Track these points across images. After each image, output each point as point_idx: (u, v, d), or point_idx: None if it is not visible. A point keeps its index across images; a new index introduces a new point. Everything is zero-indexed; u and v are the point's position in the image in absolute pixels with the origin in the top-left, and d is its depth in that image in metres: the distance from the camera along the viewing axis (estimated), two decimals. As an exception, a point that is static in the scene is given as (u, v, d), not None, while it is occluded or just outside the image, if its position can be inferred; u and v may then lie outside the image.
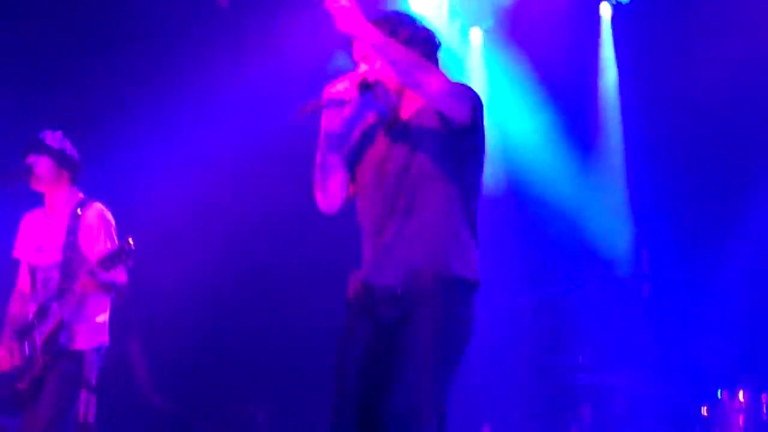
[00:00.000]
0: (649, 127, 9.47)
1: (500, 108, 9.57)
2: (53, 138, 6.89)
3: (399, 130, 4.88)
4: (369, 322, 4.78)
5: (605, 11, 9.61)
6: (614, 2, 9.48)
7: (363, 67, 4.86)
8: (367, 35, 4.57)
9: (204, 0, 9.71)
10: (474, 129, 4.74)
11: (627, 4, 9.51)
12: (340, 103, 4.71)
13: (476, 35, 9.77)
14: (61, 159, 6.83)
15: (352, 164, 5.00)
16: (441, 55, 5.01)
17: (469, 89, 4.81)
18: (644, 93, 9.53)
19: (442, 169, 4.74)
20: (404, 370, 4.61)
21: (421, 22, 5.00)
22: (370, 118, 5.07)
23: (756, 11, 8.97)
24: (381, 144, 4.91)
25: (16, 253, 6.96)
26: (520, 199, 9.66)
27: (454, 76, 4.90)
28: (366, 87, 4.80)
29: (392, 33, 4.78)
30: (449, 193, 4.74)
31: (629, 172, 9.65)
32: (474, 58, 9.79)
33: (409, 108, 4.90)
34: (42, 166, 6.80)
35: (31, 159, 6.83)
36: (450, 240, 4.71)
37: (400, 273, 4.71)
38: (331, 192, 4.97)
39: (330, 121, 4.80)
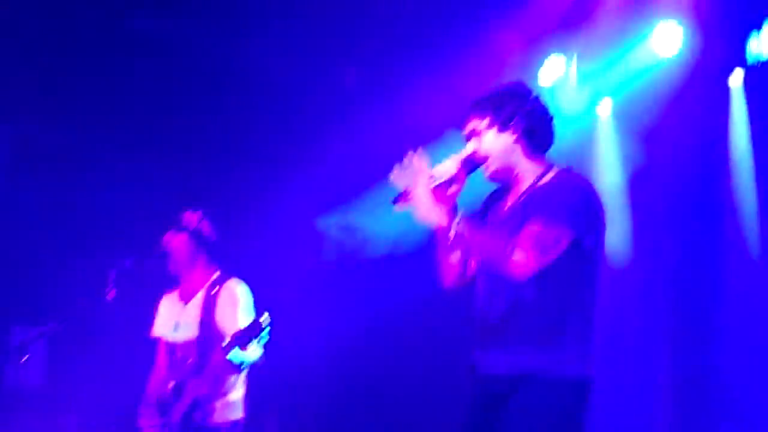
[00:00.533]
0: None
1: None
2: (192, 217, 6.98)
3: (506, 216, 4.84)
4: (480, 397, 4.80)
5: (736, 79, 9.20)
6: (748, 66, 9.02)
7: (471, 145, 4.80)
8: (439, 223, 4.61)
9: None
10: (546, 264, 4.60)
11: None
12: (447, 183, 4.67)
13: (606, 105, 9.55)
14: (198, 238, 6.92)
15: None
16: (552, 123, 4.89)
17: (529, 242, 4.59)
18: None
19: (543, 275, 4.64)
20: None
21: (527, 92, 4.89)
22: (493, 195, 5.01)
23: None
24: (495, 226, 4.87)
25: (155, 332, 7.02)
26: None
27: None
28: (473, 165, 4.75)
29: (496, 111, 4.75)
30: (545, 293, 4.66)
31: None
32: (603, 128, 9.62)
33: (519, 196, 4.83)
34: (179, 245, 6.91)
35: (169, 237, 6.93)
36: (540, 340, 4.67)
37: (500, 365, 4.71)
38: (450, 272, 4.98)
39: (434, 207, 4.68)
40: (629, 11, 8.88)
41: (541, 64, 9.20)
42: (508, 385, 4.68)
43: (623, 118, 9.58)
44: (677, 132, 9.26)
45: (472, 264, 4.93)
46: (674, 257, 9.40)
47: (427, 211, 4.61)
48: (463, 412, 4.86)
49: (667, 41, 8.90)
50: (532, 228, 4.54)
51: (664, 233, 9.44)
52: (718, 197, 9.30)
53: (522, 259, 4.51)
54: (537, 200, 4.69)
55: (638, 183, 9.41)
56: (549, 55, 9.27)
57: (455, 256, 4.94)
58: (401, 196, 4.68)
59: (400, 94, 9.10)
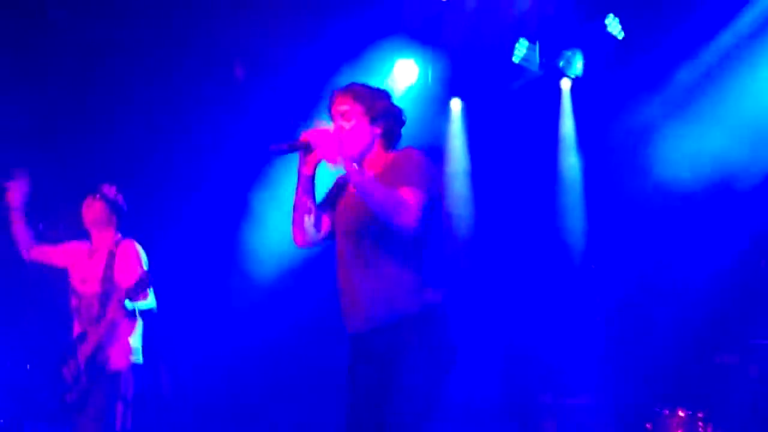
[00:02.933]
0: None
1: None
2: (110, 188, 6.96)
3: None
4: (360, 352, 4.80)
5: (565, 85, 9.66)
6: (573, 77, 9.55)
7: (339, 124, 4.86)
8: (350, 169, 4.62)
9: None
10: (422, 225, 4.68)
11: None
12: (309, 147, 4.70)
13: (456, 104, 9.78)
14: (114, 208, 6.92)
15: (326, 210, 4.99)
16: (402, 128, 4.96)
17: (415, 204, 4.69)
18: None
19: (390, 236, 4.73)
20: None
21: (392, 98, 4.99)
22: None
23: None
24: (350, 198, 4.91)
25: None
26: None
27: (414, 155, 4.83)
28: (341, 138, 4.80)
29: (370, 107, 4.85)
30: (403, 246, 4.72)
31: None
32: (454, 125, 9.79)
33: (373, 170, 4.93)
34: (100, 212, 6.88)
35: (89, 202, 6.89)
36: (400, 286, 4.70)
37: (365, 318, 4.74)
38: (304, 229, 4.97)
39: (303, 165, 4.80)
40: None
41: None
42: (381, 334, 4.72)
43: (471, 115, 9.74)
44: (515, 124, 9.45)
45: (320, 226, 4.97)
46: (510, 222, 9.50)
47: (306, 164, 4.71)
48: (347, 373, 4.88)
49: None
50: (407, 189, 4.66)
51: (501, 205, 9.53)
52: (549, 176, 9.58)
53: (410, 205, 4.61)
54: (395, 171, 4.80)
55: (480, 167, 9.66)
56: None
57: (308, 215, 4.92)
58: (290, 146, 4.73)
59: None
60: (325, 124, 4.78)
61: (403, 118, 5.00)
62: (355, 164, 4.66)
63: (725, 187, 8.61)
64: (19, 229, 6.72)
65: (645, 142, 9.07)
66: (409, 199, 4.65)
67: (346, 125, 4.84)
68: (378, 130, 4.88)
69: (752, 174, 8.57)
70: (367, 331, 4.77)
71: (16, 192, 6.68)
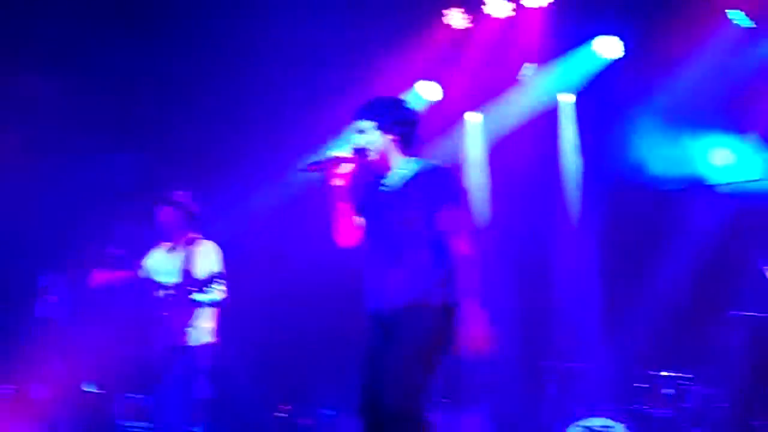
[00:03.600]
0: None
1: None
2: (183, 195, 7.21)
3: (385, 197, 5.03)
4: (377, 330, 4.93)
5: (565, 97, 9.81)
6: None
7: (359, 139, 5.01)
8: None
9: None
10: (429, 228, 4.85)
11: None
12: (339, 162, 4.90)
13: (472, 117, 10.10)
14: (185, 211, 7.16)
15: (360, 213, 5.09)
16: (416, 129, 5.07)
17: (467, 229, 4.83)
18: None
19: (413, 230, 4.89)
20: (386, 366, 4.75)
21: (405, 107, 5.11)
22: (369, 177, 5.13)
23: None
24: (379, 199, 5.05)
25: (146, 272, 7.22)
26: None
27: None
28: (362, 154, 4.97)
29: (381, 120, 4.98)
30: (421, 246, 4.87)
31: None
32: (472, 136, 10.13)
33: (392, 179, 5.04)
34: (174, 217, 7.13)
35: (165, 209, 7.14)
36: (416, 279, 4.84)
37: (387, 303, 4.87)
38: (343, 232, 5.09)
39: (333, 177, 4.93)
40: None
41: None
42: (391, 317, 4.83)
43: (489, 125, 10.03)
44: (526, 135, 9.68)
45: (359, 228, 5.08)
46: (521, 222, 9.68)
47: (336, 178, 4.91)
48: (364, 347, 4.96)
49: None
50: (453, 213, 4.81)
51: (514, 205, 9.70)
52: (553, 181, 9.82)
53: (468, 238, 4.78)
54: (422, 181, 4.91)
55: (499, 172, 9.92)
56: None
57: (347, 219, 5.05)
58: (318, 166, 4.93)
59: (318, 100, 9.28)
60: (341, 148, 4.98)
61: (417, 121, 5.10)
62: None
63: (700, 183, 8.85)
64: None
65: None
66: (457, 225, 4.84)
67: (363, 140, 5.00)
68: (394, 138, 5.01)
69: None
70: (385, 312, 4.88)
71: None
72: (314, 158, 4.98)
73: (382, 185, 5.06)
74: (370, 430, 4.77)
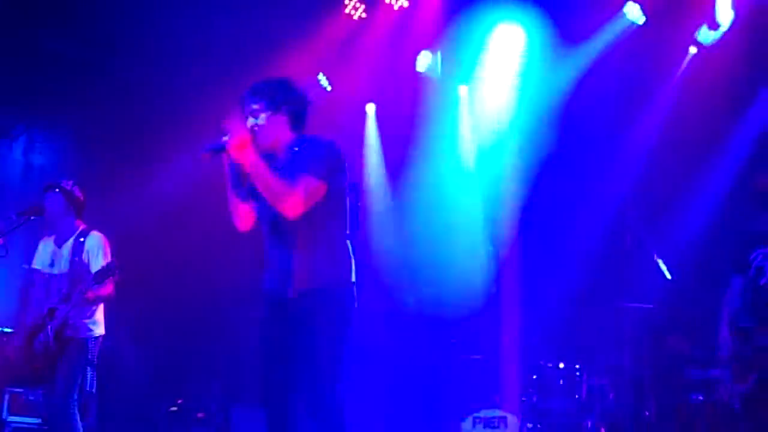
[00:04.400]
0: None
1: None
2: (68, 183, 7.03)
3: (276, 172, 4.97)
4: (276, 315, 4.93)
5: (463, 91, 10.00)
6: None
7: (250, 121, 4.98)
8: (245, 161, 4.77)
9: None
10: (316, 206, 4.84)
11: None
12: (221, 148, 4.84)
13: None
14: (73, 200, 6.99)
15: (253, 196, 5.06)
16: (307, 108, 5.08)
17: (302, 191, 4.81)
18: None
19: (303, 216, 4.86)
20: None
21: (294, 87, 5.11)
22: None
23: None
24: None
25: (34, 265, 7.04)
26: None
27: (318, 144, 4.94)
28: (254, 134, 4.93)
29: (271, 100, 4.98)
30: (310, 228, 4.86)
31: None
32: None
33: (283, 159, 5.03)
34: (60, 205, 6.94)
35: (50, 196, 6.96)
36: (318, 258, 4.87)
37: (288, 284, 4.87)
38: (239, 217, 5.09)
39: (229, 156, 4.89)
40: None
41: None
42: (299, 301, 4.82)
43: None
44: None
45: (255, 209, 5.08)
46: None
47: (235, 154, 4.74)
48: (259, 332, 4.99)
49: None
50: (300, 177, 4.80)
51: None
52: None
53: (296, 193, 4.78)
54: (299, 157, 4.91)
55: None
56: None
57: (244, 201, 5.05)
58: (215, 149, 4.85)
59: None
60: (235, 127, 4.89)
61: (306, 100, 5.13)
62: (249, 153, 4.78)
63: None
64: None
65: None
66: (299, 186, 4.82)
67: (256, 121, 4.99)
68: (284, 117, 5.01)
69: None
70: (284, 297, 4.87)
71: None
72: (209, 143, 4.90)
73: (275, 166, 4.99)
74: (276, 418, 4.82)
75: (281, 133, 5.04)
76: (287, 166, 4.96)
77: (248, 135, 4.87)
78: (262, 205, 5.00)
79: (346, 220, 5.08)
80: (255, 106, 5.00)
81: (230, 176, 5.03)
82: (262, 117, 4.99)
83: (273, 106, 5.00)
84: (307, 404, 4.78)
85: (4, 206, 7.31)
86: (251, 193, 5.03)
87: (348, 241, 5.02)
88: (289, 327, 4.89)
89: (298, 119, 5.07)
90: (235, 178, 5.03)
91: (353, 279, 4.97)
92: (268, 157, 5.00)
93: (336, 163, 4.99)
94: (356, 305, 4.96)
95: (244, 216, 5.11)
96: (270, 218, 4.97)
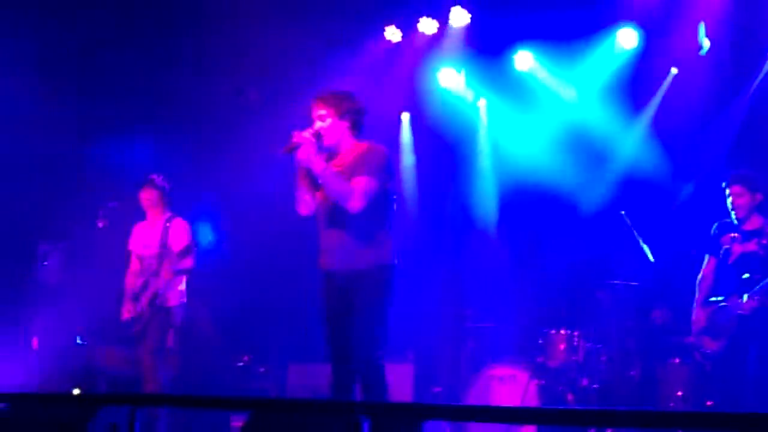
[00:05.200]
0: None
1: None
2: (159, 178, 7.56)
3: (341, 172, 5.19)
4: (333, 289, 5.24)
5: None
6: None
7: (318, 124, 5.23)
8: (314, 165, 5.02)
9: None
10: (370, 201, 5.08)
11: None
12: (300, 144, 5.07)
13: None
14: (163, 192, 7.56)
15: (317, 187, 5.28)
16: (365, 117, 5.30)
17: (362, 190, 5.01)
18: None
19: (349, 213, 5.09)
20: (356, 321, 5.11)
21: (354, 97, 5.30)
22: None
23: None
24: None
25: (131, 246, 7.59)
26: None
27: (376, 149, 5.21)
28: (318, 136, 5.16)
29: (338, 108, 5.18)
30: (365, 214, 5.10)
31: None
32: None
33: (344, 158, 5.27)
34: (153, 196, 7.51)
35: (146, 190, 7.50)
36: (366, 243, 5.13)
37: (342, 264, 5.17)
38: (303, 204, 5.29)
39: (300, 157, 5.11)
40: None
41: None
42: (348, 277, 5.11)
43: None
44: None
45: (315, 199, 5.27)
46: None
47: (305, 157, 5.04)
48: (321, 303, 5.25)
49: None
50: (361, 178, 5.05)
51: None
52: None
53: (356, 194, 5.03)
54: (360, 161, 5.13)
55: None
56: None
57: (307, 192, 5.24)
58: (290, 147, 5.08)
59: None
60: (304, 132, 5.11)
61: (364, 110, 5.29)
62: (318, 159, 4.97)
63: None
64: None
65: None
66: (358, 187, 5.04)
67: (323, 125, 5.18)
68: (347, 124, 5.22)
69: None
70: (339, 273, 5.14)
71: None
72: (286, 142, 5.18)
73: (338, 164, 5.25)
74: (341, 376, 5.09)
75: (343, 136, 5.27)
76: (350, 166, 5.19)
77: (313, 144, 5.07)
78: (323, 197, 5.24)
79: (392, 215, 5.31)
80: (322, 112, 5.23)
81: (299, 171, 5.24)
82: (329, 121, 5.22)
83: (339, 113, 5.22)
84: (358, 364, 5.03)
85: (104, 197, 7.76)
86: (316, 187, 5.27)
87: (391, 231, 5.25)
88: (343, 299, 5.16)
89: (357, 126, 5.31)
90: (303, 173, 5.23)
91: (396, 262, 5.21)
92: (331, 155, 5.29)
93: (389, 168, 5.29)
94: (396, 283, 5.19)
95: (306, 204, 5.30)
96: (328, 209, 5.21)
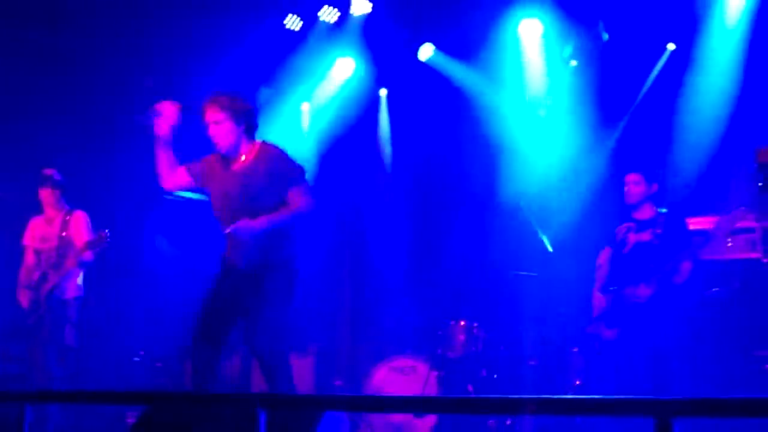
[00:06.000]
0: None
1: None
2: (55, 174, 7.51)
3: (236, 173, 5.30)
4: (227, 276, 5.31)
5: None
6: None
7: (212, 130, 5.26)
8: (255, 230, 5.08)
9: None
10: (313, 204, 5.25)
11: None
12: (159, 115, 5.23)
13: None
14: (61, 188, 7.51)
15: (196, 176, 5.40)
16: (258, 117, 5.35)
17: (304, 197, 5.17)
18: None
19: (262, 203, 5.20)
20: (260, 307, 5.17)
21: (246, 99, 5.37)
22: (214, 156, 5.40)
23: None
24: (225, 177, 5.31)
25: (26, 241, 7.54)
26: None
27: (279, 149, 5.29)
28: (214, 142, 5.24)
29: (234, 112, 5.22)
30: (271, 210, 5.19)
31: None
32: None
33: (242, 160, 5.31)
34: (51, 193, 7.46)
35: (43, 189, 7.45)
36: (265, 243, 5.20)
37: (248, 260, 5.24)
38: (164, 177, 5.38)
39: (157, 128, 5.26)
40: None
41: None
42: (253, 271, 5.19)
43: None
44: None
45: (185, 179, 5.38)
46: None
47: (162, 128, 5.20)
48: (211, 285, 5.28)
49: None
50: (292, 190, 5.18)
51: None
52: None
53: (304, 206, 5.16)
54: (270, 168, 5.19)
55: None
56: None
57: (167, 165, 5.35)
58: (147, 116, 5.23)
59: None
60: (168, 104, 5.25)
61: (257, 111, 5.36)
62: (249, 227, 5.05)
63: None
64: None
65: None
66: (297, 198, 5.20)
67: (219, 128, 5.24)
68: (242, 127, 5.27)
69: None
70: (239, 267, 5.22)
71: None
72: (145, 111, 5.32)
73: (232, 167, 5.35)
74: (200, 355, 5.16)
75: (240, 139, 5.33)
76: (249, 167, 5.29)
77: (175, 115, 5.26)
78: (225, 196, 5.30)
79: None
80: (217, 115, 5.28)
81: (159, 139, 5.33)
82: (224, 125, 5.27)
83: (234, 117, 5.28)
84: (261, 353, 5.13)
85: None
86: (202, 173, 5.42)
87: (295, 227, 5.33)
88: (240, 288, 5.25)
89: (251, 131, 5.38)
90: (163, 141, 5.34)
91: (297, 256, 5.33)
92: (228, 159, 5.37)
93: (296, 162, 5.38)
94: (297, 275, 5.28)
95: (170, 179, 5.42)
96: (233, 208, 5.27)
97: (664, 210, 6.97)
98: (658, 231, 6.86)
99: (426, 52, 9.64)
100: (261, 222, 5.12)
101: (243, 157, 5.34)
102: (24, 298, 7.40)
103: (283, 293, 5.25)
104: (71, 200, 7.67)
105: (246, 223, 5.13)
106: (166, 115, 5.29)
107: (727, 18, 8.24)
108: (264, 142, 5.40)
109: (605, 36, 8.69)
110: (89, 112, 9.29)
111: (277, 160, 5.32)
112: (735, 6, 8.25)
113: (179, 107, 5.33)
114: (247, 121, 5.35)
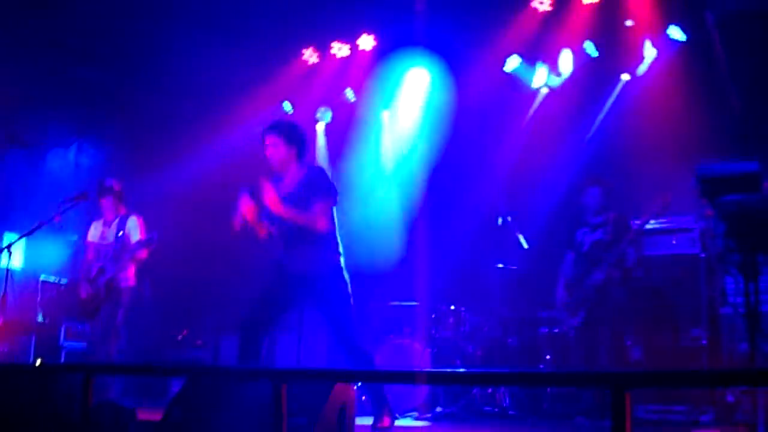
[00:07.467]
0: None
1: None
2: (115, 183, 7.47)
3: (283, 191, 5.23)
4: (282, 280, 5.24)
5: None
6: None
7: (270, 151, 5.27)
8: (277, 209, 5.03)
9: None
10: (328, 224, 5.16)
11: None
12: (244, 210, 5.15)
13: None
14: (117, 195, 7.47)
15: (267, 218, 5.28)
16: (309, 144, 5.33)
17: (321, 213, 5.06)
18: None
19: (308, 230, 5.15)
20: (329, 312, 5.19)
21: (300, 127, 5.36)
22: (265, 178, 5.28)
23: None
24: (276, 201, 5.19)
25: (88, 239, 7.47)
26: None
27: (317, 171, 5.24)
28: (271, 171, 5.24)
29: (288, 137, 5.22)
30: (313, 233, 5.17)
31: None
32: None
33: (290, 181, 5.29)
34: (111, 200, 7.42)
35: (104, 198, 7.43)
36: (313, 255, 5.17)
37: (303, 268, 5.19)
38: (257, 232, 5.31)
39: (249, 222, 5.18)
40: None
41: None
42: (304, 276, 5.16)
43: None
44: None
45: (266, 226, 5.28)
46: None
47: (273, 209, 5.05)
48: (263, 285, 5.23)
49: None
50: (318, 203, 5.11)
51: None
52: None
53: (318, 218, 5.10)
54: (309, 184, 5.15)
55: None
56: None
57: (261, 225, 5.25)
58: (241, 220, 5.15)
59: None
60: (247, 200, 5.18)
61: (309, 139, 5.33)
62: (284, 207, 4.97)
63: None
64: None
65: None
66: (319, 210, 5.13)
67: (275, 152, 5.24)
68: (294, 150, 5.26)
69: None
70: (304, 274, 5.17)
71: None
72: (235, 216, 5.21)
73: (285, 187, 5.27)
74: (249, 340, 5.11)
75: (291, 162, 5.30)
76: (297, 187, 5.24)
77: (273, 191, 5.07)
78: (273, 214, 5.22)
79: (336, 224, 5.37)
80: (273, 140, 5.25)
81: (256, 219, 5.23)
82: (279, 149, 5.25)
83: (288, 142, 5.25)
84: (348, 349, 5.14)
85: (60, 197, 7.52)
86: (269, 219, 5.32)
87: (337, 237, 5.29)
88: (290, 292, 5.23)
89: (302, 154, 5.33)
90: (254, 217, 5.23)
91: (342, 265, 5.27)
92: (279, 177, 5.34)
93: (331, 183, 5.35)
94: (347, 283, 5.21)
95: (260, 231, 5.31)
96: (282, 229, 5.24)
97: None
98: (609, 228, 6.90)
99: (419, 77, 9.60)
100: (286, 211, 5.05)
101: (292, 178, 5.27)
102: (82, 289, 7.37)
103: (340, 291, 5.19)
104: (128, 204, 7.62)
105: (276, 201, 5.05)
106: (245, 209, 5.19)
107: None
108: (312, 165, 5.37)
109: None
110: (143, 139, 9.39)
111: (317, 175, 5.27)
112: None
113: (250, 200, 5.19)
114: (299, 147, 5.28)
